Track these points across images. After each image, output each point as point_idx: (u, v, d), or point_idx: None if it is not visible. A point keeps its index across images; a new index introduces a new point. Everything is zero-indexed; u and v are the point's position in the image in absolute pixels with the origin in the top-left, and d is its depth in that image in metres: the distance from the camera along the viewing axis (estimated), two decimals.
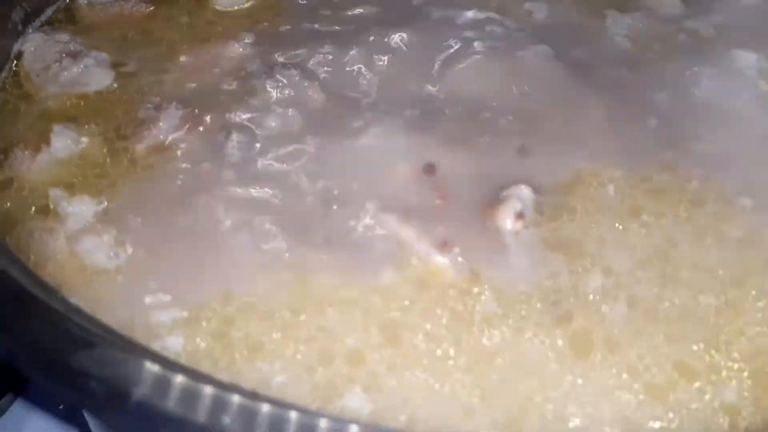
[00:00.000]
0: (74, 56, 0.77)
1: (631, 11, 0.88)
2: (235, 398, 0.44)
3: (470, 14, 0.84)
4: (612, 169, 0.69)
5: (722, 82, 0.81)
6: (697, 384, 0.54)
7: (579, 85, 0.78)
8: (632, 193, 0.67)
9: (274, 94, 0.73)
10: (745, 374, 0.55)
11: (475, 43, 0.79)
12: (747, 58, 0.82)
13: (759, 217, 0.66)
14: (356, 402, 0.53)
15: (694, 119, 0.76)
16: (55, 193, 0.65)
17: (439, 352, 0.55)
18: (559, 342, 0.56)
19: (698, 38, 0.86)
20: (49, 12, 0.85)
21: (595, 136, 0.73)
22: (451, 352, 0.55)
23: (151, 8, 0.85)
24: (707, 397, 0.54)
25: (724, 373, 0.55)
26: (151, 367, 0.45)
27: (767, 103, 0.80)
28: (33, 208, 0.65)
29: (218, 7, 0.86)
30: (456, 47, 0.79)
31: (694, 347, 0.56)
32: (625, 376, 0.55)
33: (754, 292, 0.60)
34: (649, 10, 0.88)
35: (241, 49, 0.78)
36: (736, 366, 0.55)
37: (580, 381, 0.54)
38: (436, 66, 0.78)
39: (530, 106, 0.75)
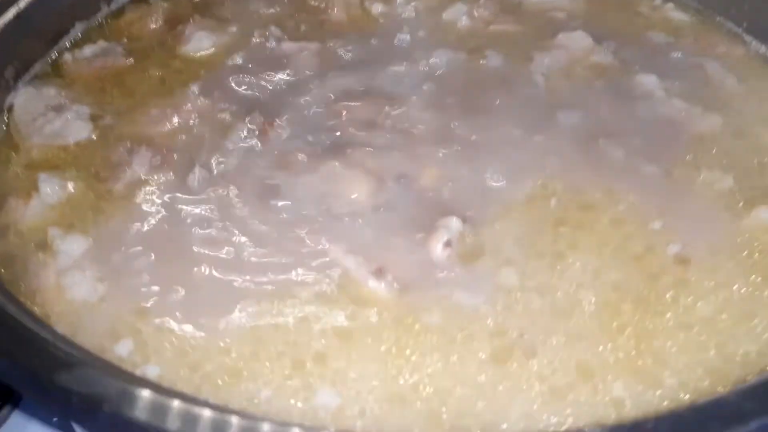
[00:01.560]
0: (58, 110, 0.87)
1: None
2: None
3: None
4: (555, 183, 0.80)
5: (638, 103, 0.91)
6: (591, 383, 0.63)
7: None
8: (566, 206, 0.77)
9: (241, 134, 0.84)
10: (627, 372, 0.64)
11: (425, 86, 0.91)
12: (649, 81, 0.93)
13: (662, 237, 0.75)
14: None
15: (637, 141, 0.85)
16: (53, 231, 0.74)
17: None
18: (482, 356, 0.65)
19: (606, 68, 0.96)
20: (38, 66, 0.94)
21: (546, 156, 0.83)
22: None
23: (130, 60, 0.95)
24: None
25: (611, 372, 0.64)
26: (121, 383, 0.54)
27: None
28: (32, 244, 0.74)
29: (188, 54, 0.96)
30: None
31: (586, 347, 0.65)
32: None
33: (629, 298, 0.69)
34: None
35: (201, 98, 0.88)
36: (621, 363, 0.64)
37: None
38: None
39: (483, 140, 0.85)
